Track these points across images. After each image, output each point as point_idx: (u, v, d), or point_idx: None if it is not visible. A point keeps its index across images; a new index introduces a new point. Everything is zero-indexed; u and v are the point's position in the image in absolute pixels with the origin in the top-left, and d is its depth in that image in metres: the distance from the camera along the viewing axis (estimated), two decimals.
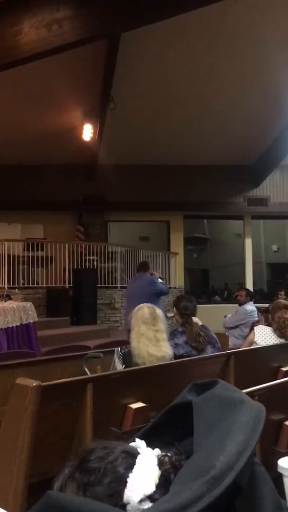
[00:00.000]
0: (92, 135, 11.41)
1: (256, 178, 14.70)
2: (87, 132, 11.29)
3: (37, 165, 13.21)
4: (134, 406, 3.07)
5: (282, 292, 11.19)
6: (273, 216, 16.33)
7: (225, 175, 14.28)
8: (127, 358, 3.66)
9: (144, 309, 3.80)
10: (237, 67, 9.80)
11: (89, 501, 0.81)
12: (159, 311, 3.86)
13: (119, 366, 3.71)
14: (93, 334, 9.97)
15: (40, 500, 0.81)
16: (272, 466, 2.69)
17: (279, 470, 0.80)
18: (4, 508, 2.58)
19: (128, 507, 0.83)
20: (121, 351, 3.77)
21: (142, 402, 3.12)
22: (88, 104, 10.65)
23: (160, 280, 8.08)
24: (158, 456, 0.90)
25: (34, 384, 2.55)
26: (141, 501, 0.83)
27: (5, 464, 2.52)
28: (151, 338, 3.65)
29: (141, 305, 3.92)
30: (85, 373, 3.84)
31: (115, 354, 3.78)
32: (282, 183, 15.15)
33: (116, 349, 3.84)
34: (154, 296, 7.70)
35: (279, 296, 10.28)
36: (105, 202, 13.88)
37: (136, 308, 3.86)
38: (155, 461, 0.88)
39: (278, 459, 2.75)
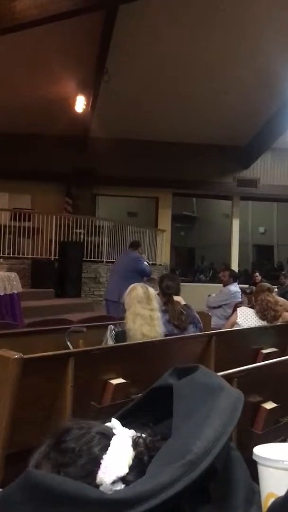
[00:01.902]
0: (84, 107, 11.30)
1: (247, 159, 14.68)
2: (80, 104, 11.18)
3: (28, 134, 13.06)
4: (115, 382, 3.09)
5: (257, 273, 11.40)
6: (262, 198, 16.39)
7: (216, 155, 14.24)
8: (121, 338, 3.68)
9: (138, 289, 3.80)
10: (233, 46, 9.73)
11: (69, 480, 0.83)
12: (152, 290, 3.87)
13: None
14: (76, 307, 10.00)
15: (19, 477, 0.82)
16: (248, 447, 2.75)
17: (254, 457, 0.81)
18: None
19: (101, 488, 0.84)
20: (114, 330, 3.78)
21: (123, 379, 3.14)
22: (82, 75, 10.53)
23: (145, 263, 8.11)
24: (132, 437, 0.91)
25: (15, 356, 2.56)
26: (113, 482, 0.84)
27: None
28: (146, 317, 3.66)
29: (134, 284, 3.93)
30: (68, 347, 3.86)
31: (108, 332, 3.79)
32: (272, 166, 15.16)
33: (109, 326, 3.85)
34: (135, 273, 7.71)
35: (255, 277, 10.42)
36: (94, 175, 13.79)
37: (129, 288, 3.86)
38: (130, 442, 0.90)
39: (254, 440, 2.81)
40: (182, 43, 9.66)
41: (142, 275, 7.85)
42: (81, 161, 13.50)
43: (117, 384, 3.09)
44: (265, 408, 2.81)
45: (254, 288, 7.37)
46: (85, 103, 11.19)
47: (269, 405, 2.85)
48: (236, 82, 11.01)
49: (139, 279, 7.37)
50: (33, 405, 2.78)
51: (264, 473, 0.85)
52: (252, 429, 2.77)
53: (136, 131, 13.13)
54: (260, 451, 0.86)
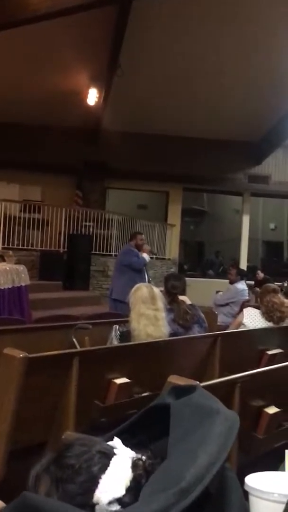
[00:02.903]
0: (97, 100, 11.29)
1: (259, 155, 14.62)
2: (92, 97, 11.17)
3: (40, 126, 13.05)
4: (119, 381, 3.11)
5: (259, 271, 11.43)
6: (273, 194, 16.31)
7: (227, 150, 14.18)
8: (125, 338, 3.69)
9: (142, 289, 3.81)
10: (247, 42, 9.67)
11: (62, 504, 0.84)
12: (157, 290, 3.86)
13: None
14: (84, 300, 10.04)
15: (16, 499, 0.84)
16: (249, 451, 2.77)
17: (246, 488, 0.82)
18: None
19: (97, 507, 0.86)
20: (119, 329, 3.79)
21: (127, 378, 3.16)
22: (95, 69, 10.52)
23: (144, 255, 7.58)
24: (132, 458, 0.93)
25: (21, 355, 2.58)
26: (109, 503, 0.86)
27: None
28: (150, 317, 3.66)
29: (139, 284, 3.95)
30: (73, 344, 3.89)
31: (113, 332, 3.80)
32: (284, 162, 15.10)
33: (114, 326, 3.86)
34: (125, 267, 7.46)
35: (257, 275, 10.43)
36: (105, 168, 13.78)
37: (134, 288, 3.86)
38: (129, 464, 0.91)
39: (256, 444, 2.82)
40: (195, 38, 9.62)
41: (132, 269, 7.45)
42: (92, 154, 13.49)
43: (121, 384, 3.11)
44: (268, 413, 2.82)
45: (257, 290, 7.37)
46: (97, 96, 11.18)
47: (272, 409, 2.86)
48: (249, 79, 10.96)
49: (133, 273, 7.30)
50: (37, 403, 2.81)
51: (256, 504, 0.86)
52: (254, 434, 2.79)
53: (147, 125, 13.10)
54: (252, 481, 0.87)
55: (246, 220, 15.81)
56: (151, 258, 8.20)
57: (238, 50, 9.88)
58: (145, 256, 7.57)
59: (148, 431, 1.03)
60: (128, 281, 7.51)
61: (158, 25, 9.28)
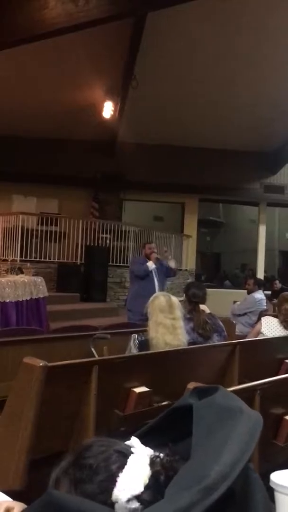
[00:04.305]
0: (112, 112, 11.36)
1: (274, 165, 14.60)
2: (108, 110, 11.24)
3: (56, 139, 13.18)
4: (138, 390, 3.11)
5: (277, 281, 11.40)
6: None
7: (243, 160, 14.18)
8: (144, 347, 3.69)
9: (160, 298, 3.81)
10: (263, 51, 9.68)
11: (86, 501, 0.85)
12: (174, 299, 3.86)
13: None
14: (101, 312, 10.04)
15: (41, 496, 0.85)
16: (270, 459, 2.75)
17: (271, 484, 0.82)
18: (4, 482, 2.65)
19: (116, 506, 0.86)
20: (138, 339, 3.79)
21: (146, 387, 3.16)
22: (110, 81, 10.59)
23: (149, 263, 7.48)
24: (150, 456, 0.93)
25: (40, 364, 2.59)
26: (128, 500, 0.86)
27: (9, 440, 2.58)
28: (168, 326, 3.66)
29: (157, 293, 3.96)
30: (92, 353, 3.89)
31: (131, 341, 3.81)
32: None
33: (133, 335, 3.86)
34: (133, 277, 7.63)
35: (275, 285, 10.38)
36: (121, 180, 13.84)
37: (152, 297, 3.87)
38: (147, 461, 0.92)
39: (277, 452, 2.80)
40: (210, 50, 9.66)
41: (137, 277, 7.58)
42: (108, 166, 13.56)
43: (140, 393, 3.11)
44: None
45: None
46: (113, 108, 11.24)
47: None
48: (263, 89, 10.97)
49: (141, 283, 7.36)
50: (57, 412, 2.81)
51: (281, 500, 0.86)
52: (274, 441, 2.77)
53: (163, 136, 13.16)
54: (278, 478, 0.87)
55: (262, 230, 15.76)
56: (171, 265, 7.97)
57: (252, 59, 9.90)
58: (149, 264, 7.51)
59: (171, 432, 1.03)
60: (136, 291, 7.56)
61: (172, 37, 9.33)
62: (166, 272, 7.78)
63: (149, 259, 7.57)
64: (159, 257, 7.77)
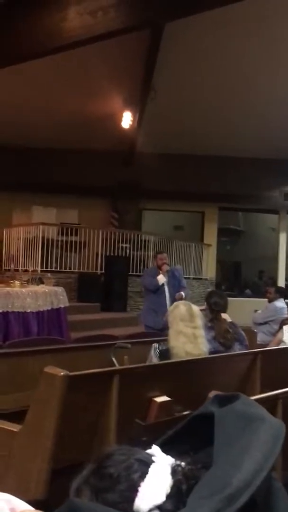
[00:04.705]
0: (131, 122, 11.41)
1: None
2: (126, 120, 11.29)
3: (76, 149, 13.27)
4: (159, 399, 3.10)
5: None
6: None
7: (262, 168, 14.13)
8: (165, 356, 3.68)
9: (180, 307, 3.81)
10: (281, 60, 9.66)
11: (107, 509, 0.84)
12: (195, 308, 3.85)
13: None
14: (122, 322, 10.06)
15: (62, 505, 0.85)
16: None
17: None
18: (26, 492, 2.65)
19: None
20: (158, 348, 3.79)
21: (167, 396, 3.15)
22: (128, 92, 10.64)
23: (159, 277, 7.29)
24: (172, 465, 0.92)
25: (62, 373, 2.60)
26: (150, 510, 0.85)
27: (31, 449, 2.59)
28: (189, 335, 3.65)
29: (177, 302, 3.96)
30: (113, 363, 3.89)
31: (152, 350, 3.80)
32: None
33: (153, 345, 3.86)
34: (145, 290, 7.57)
35: None
36: (140, 190, 13.87)
37: (172, 306, 3.88)
38: (169, 470, 0.91)
39: None
40: (227, 60, 9.67)
41: (148, 290, 7.47)
42: (127, 175, 13.61)
43: (162, 402, 3.10)
44: None
45: None
46: (131, 119, 11.30)
47: None
48: (284, 96, 10.93)
49: (152, 296, 7.27)
50: (78, 421, 2.82)
51: None
52: None
53: (182, 145, 13.17)
54: None
55: (283, 238, 15.67)
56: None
57: (271, 67, 9.88)
58: (159, 278, 7.27)
59: (191, 441, 1.02)
60: (148, 305, 7.49)
61: (189, 47, 9.37)
62: (178, 286, 7.48)
63: (161, 270, 7.35)
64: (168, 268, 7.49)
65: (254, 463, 0.84)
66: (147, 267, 12.61)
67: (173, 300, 6.89)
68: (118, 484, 0.90)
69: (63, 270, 11.52)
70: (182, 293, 7.26)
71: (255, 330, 6.53)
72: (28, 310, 6.81)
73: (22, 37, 7.17)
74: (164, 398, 3.13)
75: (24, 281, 7.85)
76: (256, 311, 8.69)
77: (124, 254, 12.56)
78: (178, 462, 0.93)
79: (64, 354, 3.98)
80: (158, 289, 7.25)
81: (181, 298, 7.06)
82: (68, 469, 2.71)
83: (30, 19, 7.09)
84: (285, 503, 0.93)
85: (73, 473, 0.99)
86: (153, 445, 0.99)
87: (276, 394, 2.66)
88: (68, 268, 11.72)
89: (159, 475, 0.89)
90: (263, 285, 18.91)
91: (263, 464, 0.85)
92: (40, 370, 2.76)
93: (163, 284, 7.27)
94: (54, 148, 13.19)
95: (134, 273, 12.33)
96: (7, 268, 11.61)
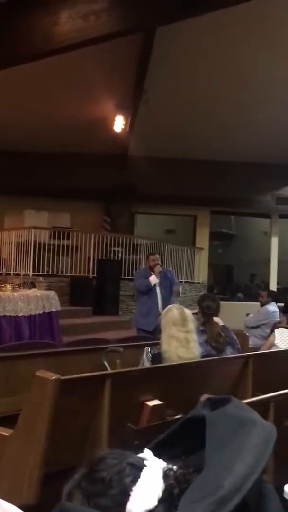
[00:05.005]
0: (123, 126, 11.42)
1: (286, 177, 14.56)
2: (119, 124, 11.30)
3: (68, 153, 13.26)
4: (151, 403, 3.09)
5: None
6: None
7: (254, 172, 14.16)
8: (157, 360, 3.68)
9: (173, 310, 3.80)
10: (273, 64, 9.71)
11: None
12: (188, 312, 3.84)
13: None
14: (114, 325, 10.04)
15: (54, 509, 0.84)
16: (285, 473, 2.71)
17: (285, 496, 0.81)
18: (18, 496, 2.64)
19: None
20: (150, 352, 3.78)
21: (159, 400, 3.14)
22: (120, 96, 10.67)
23: (152, 277, 7.15)
24: (163, 469, 0.92)
25: (53, 377, 2.59)
26: None
27: (23, 454, 2.58)
28: (181, 340, 3.64)
29: (170, 306, 3.94)
30: (105, 367, 3.88)
31: (145, 354, 3.80)
32: None
33: (146, 348, 3.86)
34: (137, 292, 7.44)
35: None
36: (133, 194, 13.87)
37: (165, 310, 3.87)
38: (160, 474, 0.91)
39: None
40: (219, 64, 9.71)
41: (139, 292, 7.32)
42: (119, 179, 13.60)
43: (154, 406, 3.09)
44: None
45: None
46: (123, 123, 11.31)
47: None
48: (275, 101, 10.99)
49: (144, 298, 7.14)
50: (70, 425, 2.81)
51: None
52: None
53: (174, 149, 13.19)
54: None
55: (275, 242, 15.71)
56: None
57: (263, 72, 9.93)
58: (152, 278, 7.14)
59: (183, 444, 1.02)
60: (139, 307, 7.43)
61: (182, 51, 9.40)
62: (170, 287, 7.37)
63: (153, 272, 7.24)
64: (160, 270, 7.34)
65: (245, 466, 0.84)
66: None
67: (165, 301, 6.83)
68: (110, 488, 0.90)
69: (55, 274, 11.50)
70: (179, 287, 7.28)
71: (247, 334, 6.54)
72: (20, 314, 6.80)
73: (15, 40, 7.17)
74: (156, 402, 3.12)
75: (16, 285, 7.83)
76: (248, 314, 8.70)
77: (116, 258, 12.56)
78: (170, 466, 0.93)
79: (56, 358, 3.97)
80: (150, 289, 7.14)
81: (178, 292, 7.24)
82: (60, 473, 2.71)
83: (23, 22, 7.10)
84: (276, 506, 0.93)
85: (65, 477, 0.99)
86: (145, 449, 0.99)
87: (268, 398, 2.66)
88: (60, 272, 11.70)
89: (151, 479, 0.89)
90: (254, 288, 18.98)
91: (254, 467, 0.85)
92: (31, 374, 2.75)
93: (155, 285, 7.15)
94: (46, 151, 13.18)
95: (126, 277, 12.32)
96: None
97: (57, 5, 6.94)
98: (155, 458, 0.95)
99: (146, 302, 7.13)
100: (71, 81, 10.09)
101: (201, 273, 15.00)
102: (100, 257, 12.23)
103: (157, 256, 7.82)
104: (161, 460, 0.95)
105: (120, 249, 12.76)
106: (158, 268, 7.27)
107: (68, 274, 11.75)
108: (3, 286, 7.29)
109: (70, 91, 10.52)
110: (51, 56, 7.53)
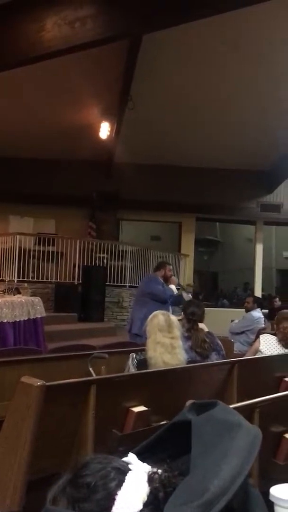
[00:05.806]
0: (109, 133, 11.43)
1: (270, 184, 14.68)
2: (104, 130, 11.31)
3: (53, 159, 13.27)
4: (136, 409, 3.09)
5: (277, 299, 11.46)
6: (286, 222, 16.31)
7: (239, 179, 14.26)
8: (142, 366, 3.68)
9: (159, 317, 3.80)
10: (257, 72, 9.77)
11: None
12: (174, 318, 3.85)
13: None
14: (99, 332, 10.02)
15: None
16: (269, 477, 2.72)
17: (271, 498, 0.82)
18: (2, 503, 2.61)
19: None
20: (136, 358, 3.78)
21: (145, 406, 3.14)
22: (106, 102, 10.67)
23: (172, 286, 7.02)
24: (148, 472, 0.92)
25: (38, 383, 2.58)
26: None
27: (7, 460, 2.56)
28: (167, 346, 3.65)
29: (156, 312, 3.94)
30: (90, 373, 3.87)
31: (130, 360, 3.79)
32: None
33: (131, 354, 3.85)
34: (147, 298, 6.84)
35: (274, 303, 10.39)
36: (118, 200, 13.90)
37: (151, 316, 3.86)
38: (145, 478, 0.91)
39: (277, 471, 2.78)
40: (205, 70, 9.75)
41: (154, 299, 6.79)
42: (105, 186, 13.63)
43: (139, 412, 3.09)
44: None
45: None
46: (109, 129, 11.32)
47: None
48: (259, 108, 11.06)
49: (155, 306, 6.40)
50: (55, 432, 2.79)
51: None
52: (274, 460, 2.75)
53: (159, 156, 13.24)
54: (277, 491, 0.86)
55: (259, 248, 15.79)
56: (177, 288, 7.51)
57: (248, 80, 9.99)
58: (173, 287, 7.00)
59: (169, 449, 1.02)
60: (148, 314, 7.23)
61: (168, 58, 9.43)
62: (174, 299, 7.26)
63: (167, 281, 7.02)
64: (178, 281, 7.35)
65: (231, 469, 0.85)
66: (125, 277, 12.62)
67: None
68: (95, 493, 0.89)
69: (40, 280, 11.48)
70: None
71: (232, 340, 6.55)
72: (5, 320, 6.75)
73: (5, 44, 7.15)
74: (141, 408, 3.12)
75: (1, 291, 7.79)
76: (232, 321, 8.73)
77: (101, 264, 12.55)
78: (154, 470, 0.93)
79: (40, 365, 3.95)
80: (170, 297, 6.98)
81: (175, 282, 7.21)
82: (44, 479, 2.69)
83: (8, 29, 7.08)
84: (261, 509, 0.93)
85: (49, 484, 0.98)
86: (130, 453, 0.98)
87: (253, 403, 2.67)
88: (45, 278, 11.67)
89: (135, 483, 0.89)
90: (236, 297, 19.02)
91: (240, 470, 0.85)
92: (16, 380, 2.74)
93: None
94: (31, 158, 13.17)
95: (112, 283, 12.32)
96: None
97: (42, 11, 6.92)
98: (139, 462, 0.95)
99: (159, 308, 6.95)
100: (57, 87, 10.08)
101: (187, 280, 15.02)
102: (85, 264, 12.22)
103: (171, 266, 7.74)
104: (146, 464, 0.95)
105: (105, 255, 12.77)
106: (175, 279, 7.30)
107: (53, 281, 11.72)
108: None
109: (56, 98, 10.51)
110: (36, 63, 7.52)
